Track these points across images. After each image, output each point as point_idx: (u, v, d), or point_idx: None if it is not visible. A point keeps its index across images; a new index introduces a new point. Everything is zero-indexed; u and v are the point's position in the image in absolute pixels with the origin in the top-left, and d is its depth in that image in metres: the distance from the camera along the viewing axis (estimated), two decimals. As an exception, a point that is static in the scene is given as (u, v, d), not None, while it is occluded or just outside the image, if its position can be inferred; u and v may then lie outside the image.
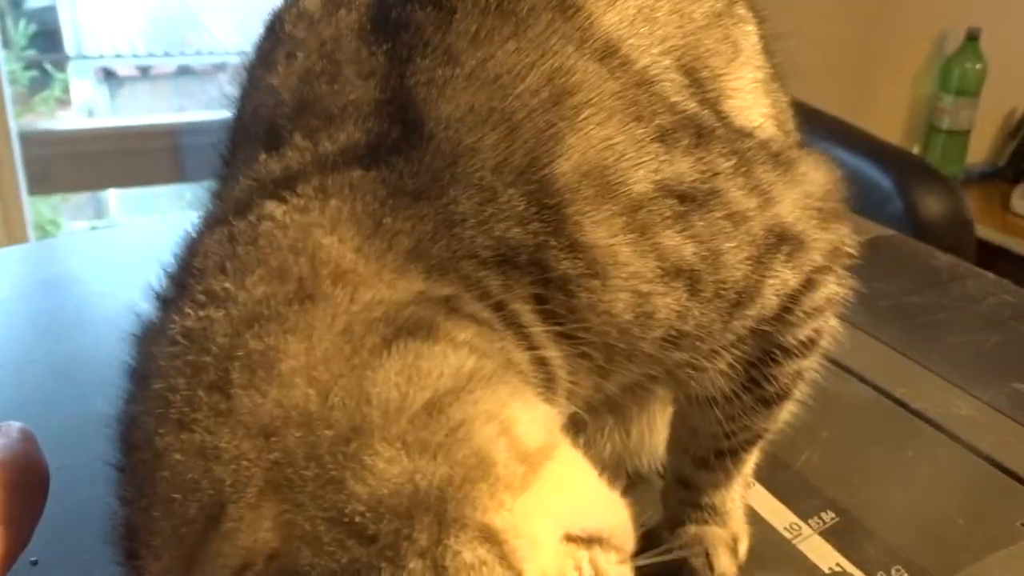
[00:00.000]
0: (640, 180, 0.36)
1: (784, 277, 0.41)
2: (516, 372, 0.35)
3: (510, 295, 0.35)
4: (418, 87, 0.36)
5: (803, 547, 0.54)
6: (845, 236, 0.43)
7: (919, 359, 0.69)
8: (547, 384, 0.37)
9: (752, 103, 0.45)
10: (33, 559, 0.38)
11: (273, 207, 0.35)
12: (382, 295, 0.33)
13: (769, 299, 0.41)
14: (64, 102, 2.43)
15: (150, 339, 0.36)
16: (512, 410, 0.32)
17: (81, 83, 2.42)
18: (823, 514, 0.55)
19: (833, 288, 0.43)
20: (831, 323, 0.46)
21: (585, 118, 0.35)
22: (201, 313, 0.33)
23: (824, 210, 0.42)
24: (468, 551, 0.29)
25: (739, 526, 0.53)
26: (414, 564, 0.28)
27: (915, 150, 2.32)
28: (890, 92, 2.36)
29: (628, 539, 0.35)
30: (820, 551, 0.53)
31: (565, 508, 0.33)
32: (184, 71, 2.44)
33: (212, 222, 0.38)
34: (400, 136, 0.35)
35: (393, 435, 0.30)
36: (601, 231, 0.35)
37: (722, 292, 0.38)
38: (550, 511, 0.32)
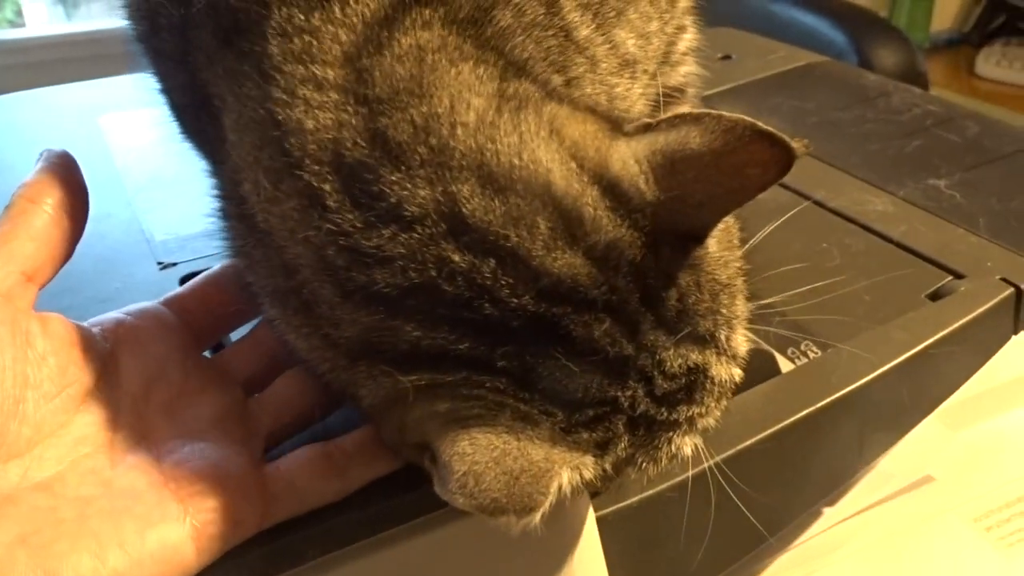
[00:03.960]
0: None
1: (673, 32, 0.49)
2: None
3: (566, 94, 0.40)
4: None
5: (717, 332, 0.55)
6: None
7: (841, 165, 0.70)
8: None
9: None
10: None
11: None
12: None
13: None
14: (18, 25, 2.37)
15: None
16: None
17: (34, 5, 2.36)
18: (737, 302, 0.57)
19: (694, 34, 0.54)
20: (695, 68, 0.56)
21: None
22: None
23: None
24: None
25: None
26: None
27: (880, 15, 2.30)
28: (853, -41, 2.32)
29: None
30: (732, 334, 0.55)
31: None
32: (141, -11, 2.38)
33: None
34: None
35: None
36: (588, 31, 0.41)
37: (647, 69, 0.46)
38: None
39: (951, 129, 0.74)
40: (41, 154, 0.42)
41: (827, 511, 0.57)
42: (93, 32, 2.13)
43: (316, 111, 0.34)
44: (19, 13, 2.34)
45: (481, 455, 0.32)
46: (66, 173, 0.41)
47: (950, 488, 0.60)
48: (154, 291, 0.53)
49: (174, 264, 0.58)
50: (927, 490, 0.60)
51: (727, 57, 0.91)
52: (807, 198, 0.65)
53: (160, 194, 0.67)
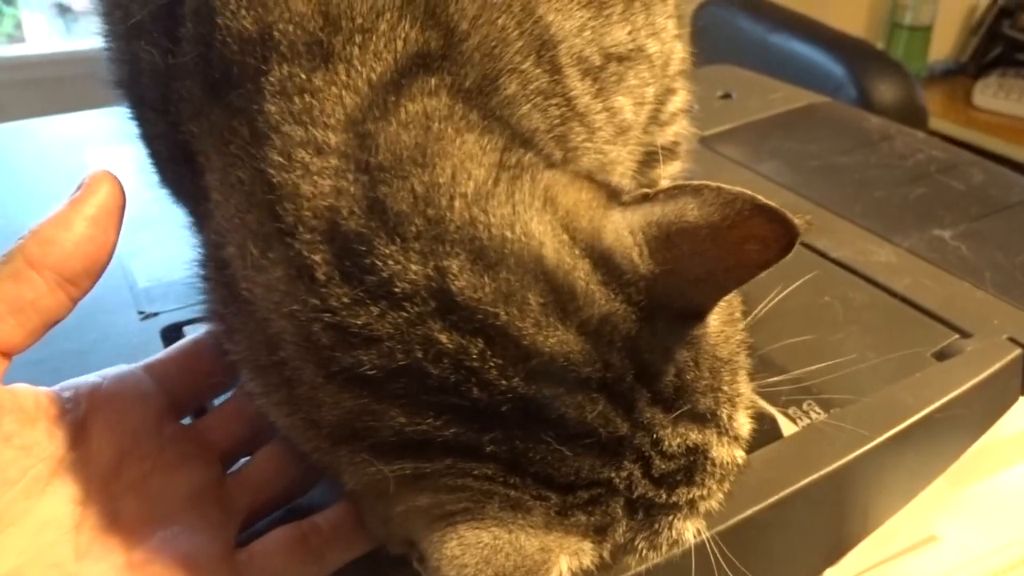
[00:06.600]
0: (593, 52, 0.40)
1: (663, 94, 0.49)
2: None
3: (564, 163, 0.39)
4: None
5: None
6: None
7: (844, 213, 0.68)
8: None
9: None
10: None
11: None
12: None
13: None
14: (17, 39, 2.36)
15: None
16: None
17: (34, 17, 2.35)
18: (737, 358, 0.56)
19: (684, 96, 0.53)
20: (686, 127, 0.56)
21: (557, 8, 0.39)
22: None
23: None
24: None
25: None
26: None
27: (878, 47, 2.30)
28: (851, -12, 2.33)
29: None
30: (733, 392, 0.53)
31: None
32: (140, 3, 2.37)
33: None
34: (443, 43, 0.36)
35: None
36: (588, 99, 0.40)
37: (637, 137, 0.46)
38: None
39: (955, 176, 0.73)
40: (82, 181, 0.38)
41: (828, 572, 0.55)
42: (94, 51, 2.13)
43: (315, 177, 0.32)
44: (19, 26, 2.33)
45: (470, 556, 0.30)
46: (96, 221, 0.37)
47: (954, 548, 0.59)
48: (134, 342, 0.52)
49: (156, 314, 0.56)
50: (931, 550, 0.59)
51: (727, 96, 0.90)
52: (809, 248, 0.64)
53: (145, 236, 0.65)
